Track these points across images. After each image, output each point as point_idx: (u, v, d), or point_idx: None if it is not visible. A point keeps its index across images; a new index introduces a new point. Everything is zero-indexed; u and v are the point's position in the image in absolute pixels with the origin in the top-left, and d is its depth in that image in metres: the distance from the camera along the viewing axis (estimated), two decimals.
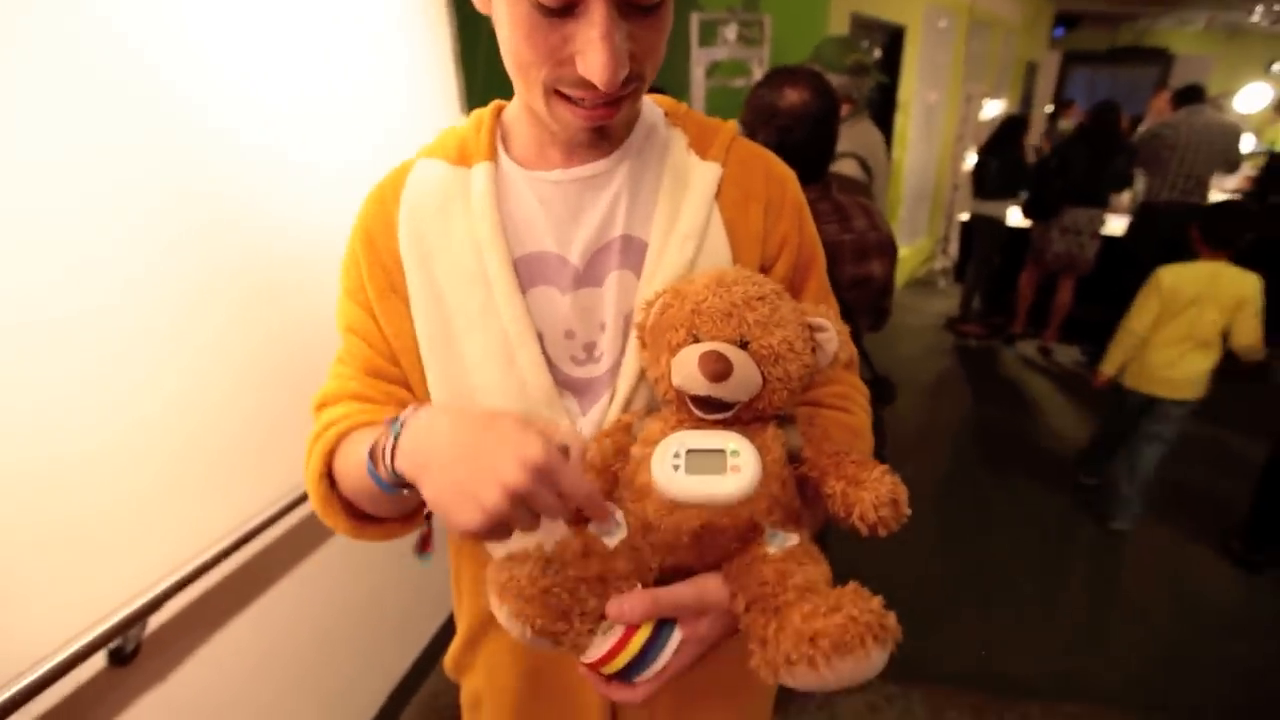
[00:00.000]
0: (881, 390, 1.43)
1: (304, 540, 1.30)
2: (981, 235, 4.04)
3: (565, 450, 0.44)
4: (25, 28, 0.79)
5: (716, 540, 0.47)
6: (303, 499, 1.20)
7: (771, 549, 0.46)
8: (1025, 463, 2.78)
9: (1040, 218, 3.67)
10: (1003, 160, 3.77)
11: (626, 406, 0.56)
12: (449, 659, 0.73)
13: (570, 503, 0.43)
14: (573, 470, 0.43)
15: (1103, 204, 3.51)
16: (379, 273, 0.57)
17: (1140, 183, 3.53)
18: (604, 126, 0.52)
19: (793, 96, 1.15)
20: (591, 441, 0.53)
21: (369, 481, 0.48)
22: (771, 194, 0.60)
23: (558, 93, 0.47)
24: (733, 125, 0.62)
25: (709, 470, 0.46)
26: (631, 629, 0.47)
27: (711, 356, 0.45)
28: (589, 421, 0.57)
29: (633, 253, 0.57)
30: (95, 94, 0.87)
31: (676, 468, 0.46)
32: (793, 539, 0.47)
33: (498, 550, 0.55)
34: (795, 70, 1.20)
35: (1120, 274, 3.58)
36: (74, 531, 0.88)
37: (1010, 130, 3.84)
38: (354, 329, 0.59)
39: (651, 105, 0.61)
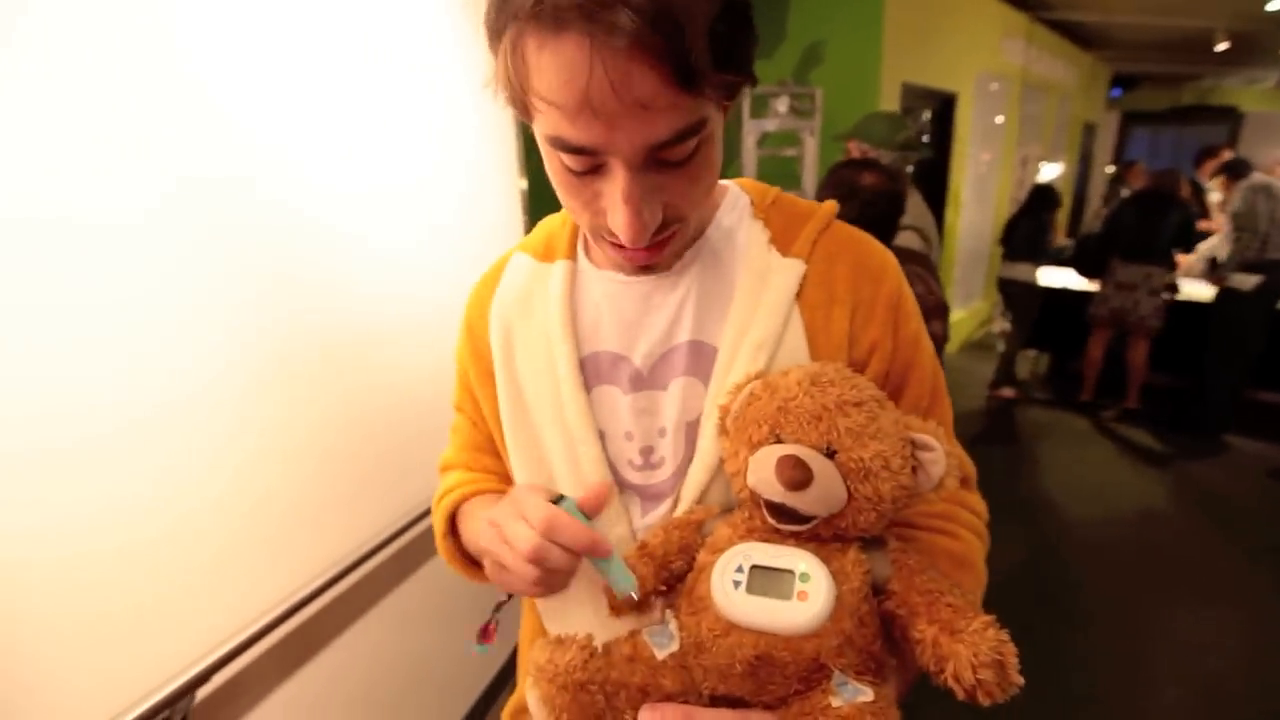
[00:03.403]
0: None
1: (348, 610, 1.29)
2: (1011, 297, 3.96)
3: (558, 499, 0.47)
4: (109, 124, 0.86)
5: (774, 675, 0.41)
6: (347, 570, 1.20)
7: (837, 701, 0.40)
8: (1076, 543, 2.57)
9: (1086, 274, 3.74)
10: (1030, 224, 3.75)
11: None
12: (506, 713, 0.70)
13: (576, 551, 0.46)
14: (571, 525, 0.46)
15: (1161, 263, 3.44)
16: (477, 360, 0.61)
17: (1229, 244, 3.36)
18: (647, 264, 0.52)
19: (871, 179, 1.35)
20: (657, 530, 0.51)
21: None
22: (861, 294, 0.54)
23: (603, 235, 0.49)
24: (829, 209, 0.57)
25: (773, 593, 0.41)
26: None
27: (790, 462, 0.40)
28: (646, 527, 0.54)
29: (701, 359, 0.54)
30: (182, 199, 0.93)
31: (737, 584, 0.42)
32: (865, 693, 0.40)
33: (553, 629, 0.58)
34: (868, 161, 1.45)
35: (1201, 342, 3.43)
36: (123, 610, 0.89)
37: (1040, 199, 3.82)
38: (460, 408, 0.67)
39: (737, 194, 0.58)
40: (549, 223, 0.63)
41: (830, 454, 0.42)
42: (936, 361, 0.58)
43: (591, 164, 0.43)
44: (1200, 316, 3.47)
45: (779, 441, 0.43)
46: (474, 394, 0.62)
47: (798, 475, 0.40)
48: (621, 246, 0.47)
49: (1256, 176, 3.24)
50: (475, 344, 0.62)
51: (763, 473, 0.42)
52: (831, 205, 0.58)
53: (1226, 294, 3.35)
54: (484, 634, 0.60)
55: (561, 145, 0.41)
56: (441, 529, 0.64)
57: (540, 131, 0.43)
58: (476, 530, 0.57)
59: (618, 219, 0.44)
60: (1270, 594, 2.26)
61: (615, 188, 0.43)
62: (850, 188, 1.35)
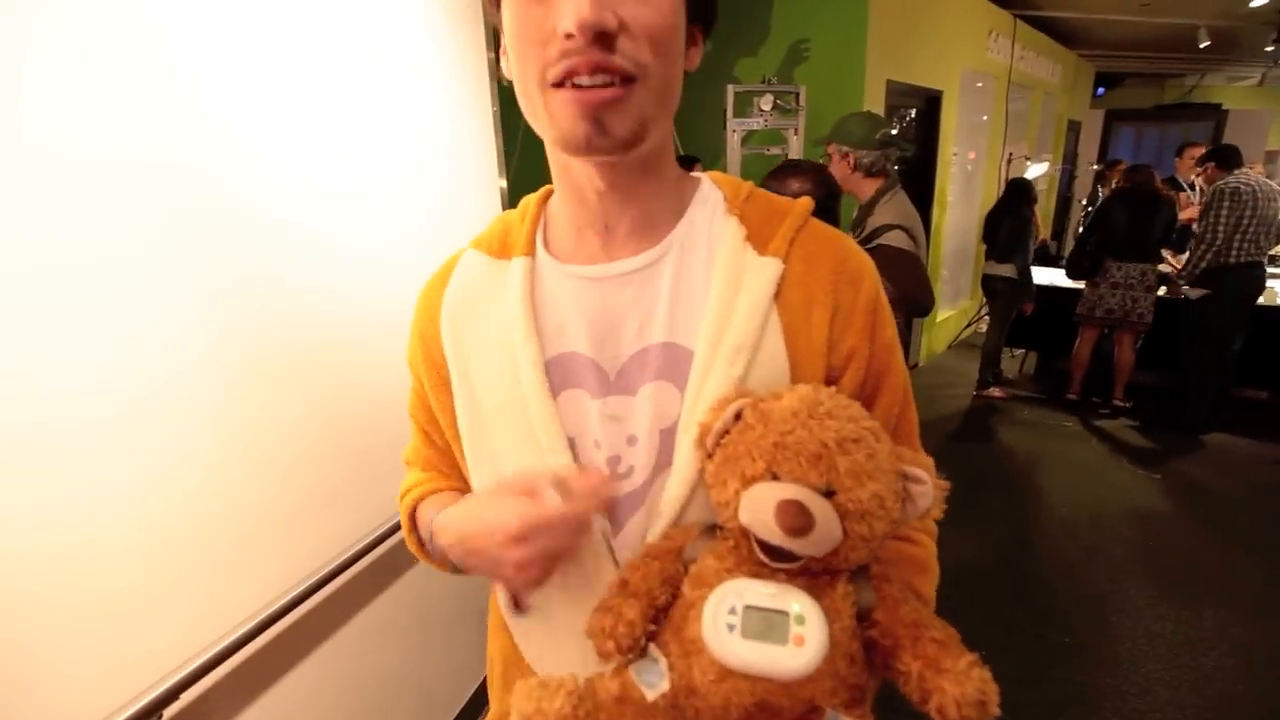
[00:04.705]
0: None
1: (323, 622, 1.26)
2: (995, 294, 3.94)
3: (562, 483, 0.45)
4: (79, 129, 0.83)
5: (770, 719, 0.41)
6: (323, 581, 1.17)
7: None
8: (1054, 537, 2.57)
9: (1080, 277, 3.68)
10: (1012, 222, 3.74)
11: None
12: None
13: (573, 528, 0.45)
14: (560, 512, 0.44)
15: (1154, 259, 3.48)
16: (432, 368, 0.58)
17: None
18: (596, 110, 0.45)
19: (795, 185, 1.33)
20: (635, 563, 0.48)
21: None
22: (841, 297, 0.52)
23: (554, 86, 0.45)
24: (804, 207, 0.55)
25: (768, 636, 0.40)
26: None
27: (792, 509, 0.39)
28: (618, 545, 0.51)
29: (676, 362, 0.51)
30: (150, 190, 0.91)
31: (731, 627, 0.40)
32: None
33: (539, 666, 0.56)
34: (799, 163, 1.42)
35: (1178, 337, 3.44)
36: (83, 624, 0.86)
37: (1016, 194, 3.81)
38: (414, 417, 0.64)
39: (710, 189, 0.56)
40: (505, 218, 0.60)
41: (828, 493, 0.41)
42: (905, 366, 0.58)
43: None
44: (1180, 313, 3.49)
45: (775, 478, 0.41)
46: (428, 404, 0.59)
47: (800, 523, 0.39)
48: (572, 86, 0.44)
49: (1235, 176, 3.23)
50: (428, 350, 0.58)
51: (760, 515, 0.40)
52: (807, 202, 0.56)
53: (1187, 301, 3.39)
54: (516, 605, 0.59)
55: None
56: (406, 525, 0.64)
57: None
58: (444, 523, 0.54)
59: (568, 10, 0.41)
60: (1260, 591, 2.26)
61: None
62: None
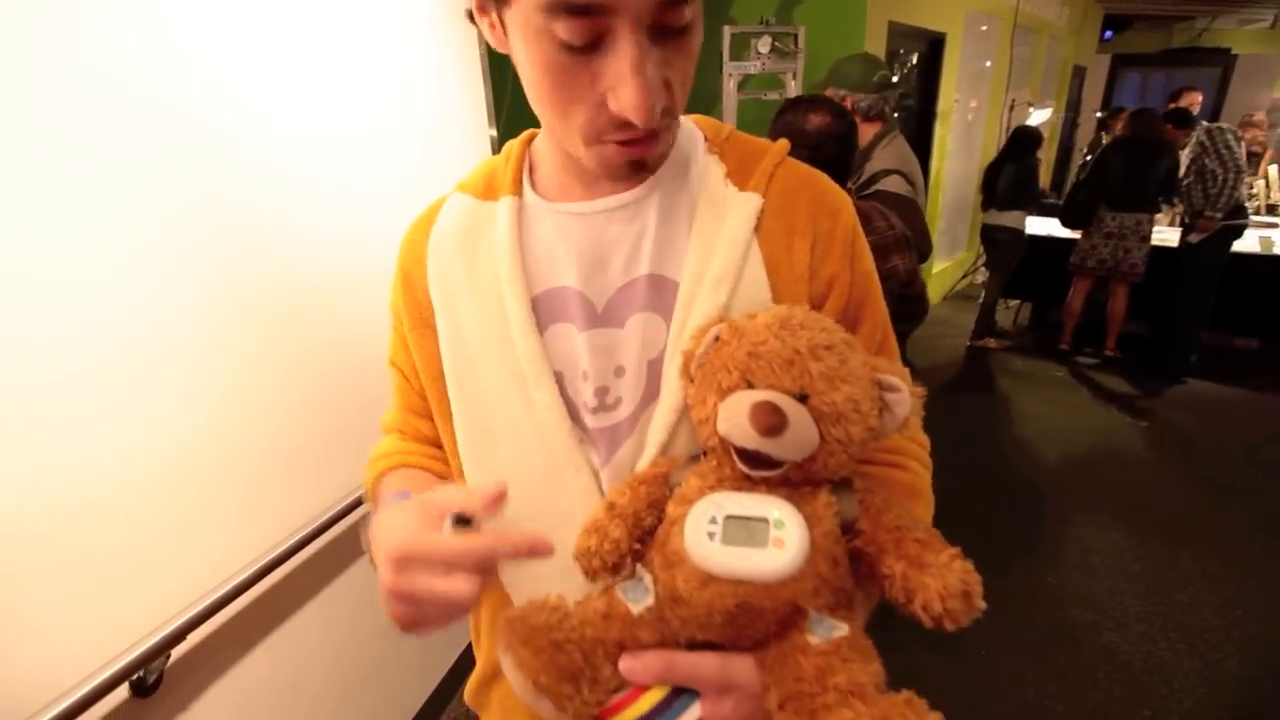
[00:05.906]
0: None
1: (325, 568, 1.29)
2: (997, 245, 3.89)
3: (462, 517, 0.41)
4: (58, 75, 0.80)
5: (753, 622, 0.42)
6: (324, 527, 1.19)
7: (815, 639, 0.41)
8: (1035, 486, 2.64)
9: (1072, 226, 3.65)
10: (1015, 170, 3.66)
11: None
12: (468, 690, 0.70)
13: (460, 568, 0.40)
14: (445, 541, 0.40)
15: (1150, 209, 3.44)
16: (413, 308, 0.58)
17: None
18: (643, 159, 0.49)
19: (815, 120, 1.28)
20: (622, 487, 0.49)
21: None
22: (820, 228, 0.54)
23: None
24: (782, 147, 0.57)
25: (749, 542, 0.41)
26: (640, 688, 0.43)
27: (765, 408, 0.40)
28: (607, 476, 0.53)
29: (662, 294, 0.52)
30: (133, 137, 0.88)
31: (712, 535, 0.41)
32: (840, 628, 0.42)
33: (517, 594, 0.56)
34: (815, 98, 1.37)
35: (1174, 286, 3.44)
36: (97, 564, 0.88)
37: (1021, 142, 3.73)
38: (394, 362, 0.63)
39: (690, 130, 0.57)
40: (490, 162, 0.60)
41: (802, 398, 0.42)
42: (883, 298, 0.59)
43: (594, 33, 0.40)
44: (1171, 262, 3.47)
45: (750, 387, 0.42)
46: (408, 346, 0.59)
47: (773, 421, 0.39)
48: (623, 143, 0.45)
49: (1204, 125, 3.22)
50: (411, 292, 0.58)
51: (735, 419, 0.41)
52: (784, 143, 0.58)
53: (1208, 240, 3.33)
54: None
55: (564, 8, 0.39)
56: (370, 497, 0.63)
57: (530, 5, 0.40)
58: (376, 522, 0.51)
59: (626, 95, 0.41)
60: (1236, 532, 2.34)
61: (622, 60, 0.41)
62: (796, 132, 1.27)
